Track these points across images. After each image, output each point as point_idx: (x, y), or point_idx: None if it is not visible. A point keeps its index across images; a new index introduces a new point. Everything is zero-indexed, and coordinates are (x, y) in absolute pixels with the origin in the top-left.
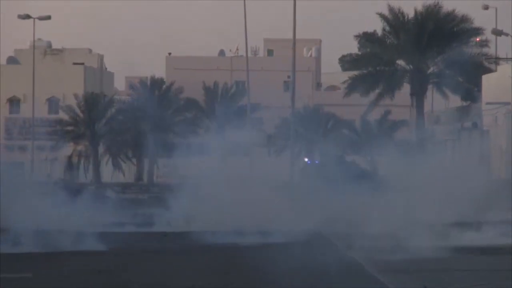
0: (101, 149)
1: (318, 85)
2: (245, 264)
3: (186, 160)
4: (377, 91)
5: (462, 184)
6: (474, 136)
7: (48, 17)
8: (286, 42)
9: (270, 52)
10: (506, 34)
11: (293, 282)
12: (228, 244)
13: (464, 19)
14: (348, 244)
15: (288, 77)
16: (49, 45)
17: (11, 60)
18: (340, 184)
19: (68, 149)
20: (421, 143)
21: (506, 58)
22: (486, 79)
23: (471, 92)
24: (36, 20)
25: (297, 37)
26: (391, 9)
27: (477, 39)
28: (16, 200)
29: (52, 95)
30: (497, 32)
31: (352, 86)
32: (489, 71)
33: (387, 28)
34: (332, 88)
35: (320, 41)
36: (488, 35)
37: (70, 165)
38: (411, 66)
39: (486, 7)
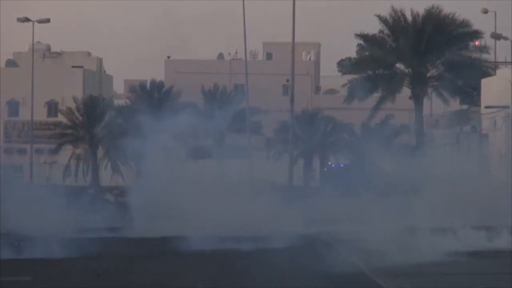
0: (100, 152)
1: (317, 88)
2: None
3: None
4: (376, 95)
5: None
6: (473, 140)
7: (47, 20)
8: (285, 45)
9: (269, 56)
10: (506, 38)
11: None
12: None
13: (463, 22)
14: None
15: (287, 80)
16: (48, 48)
17: (10, 63)
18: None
19: (67, 152)
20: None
21: (505, 62)
22: (485, 82)
23: (470, 95)
24: (35, 23)
25: (296, 40)
26: (393, 11)
27: (476, 43)
28: (16, 205)
29: (51, 98)
30: (496, 36)
31: (352, 90)
32: (488, 75)
33: (386, 31)
34: (331, 91)
35: (319, 44)
36: (487, 39)
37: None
38: (410, 70)
39: (485, 11)
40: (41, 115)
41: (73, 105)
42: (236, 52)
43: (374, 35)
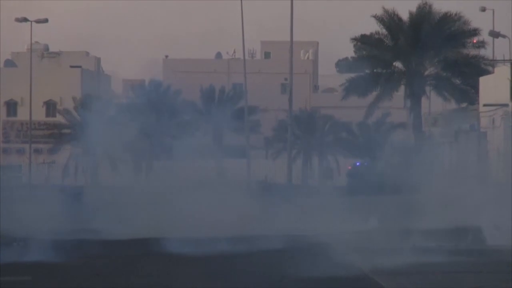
0: (98, 152)
1: (315, 87)
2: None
3: (183, 163)
4: (374, 93)
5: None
6: (471, 138)
7: (45, 20)
8: (283, 44)
9: (267, 55)
10: (504, 36)
11: None
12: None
13: (461, 20)
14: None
15: (285, 79)
16: (46, 48)
17: (8, 63)
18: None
19: (65, 152)
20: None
21: (504, 60)
22: (483, 80)
23: (468, 94)
24: (33, 23)
25: (294, 39)
26: (386, 11)
27: (474, 41)
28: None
29: (49, 98)
30: (494, 34)
31: (349, 88)
32: (487, 72)
33: (383, 30)
34: (330, 90)
35: (317, 43)
36: (485, 36)
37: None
38: (407, 68)
39: (483, 9)
40: (40, 115)
41: (71, 105)
42: (234, 51)
43: (370, 35)
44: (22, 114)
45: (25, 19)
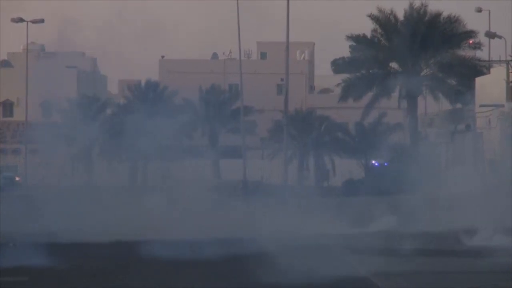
0: (95, 152)
1: (311, 88)
2: None
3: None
4: (371, 93)
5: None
6: (467, 139)
7: (41, 21)
8: (279, 45)
9: (263, 55)
10: (500, 37)
11: None
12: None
13: (456, 20)
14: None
15: (281, 80)
16: (42, 48)
17: (4, 64)
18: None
19: (62, 152)
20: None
21: (500, 61)
22: (479, 81)
23: (463, 94)
24: (29, 24)
25: (290, 40)
26: (381, 11)
27: (470, 42)
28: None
29: (45, 99)
30: (491, 35)
31: (346, 89)
32: (482, 73)
33: (379, 30)
34: (326, 91)
35: (313, 44)
36: (481, 37)
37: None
38: (403, 69)
39: (479, 10)
40: (36, 115)
41: (67, 106)
42: (231, 52)
43: (365, 36)
44: (18, 115)
45: (21, 20)
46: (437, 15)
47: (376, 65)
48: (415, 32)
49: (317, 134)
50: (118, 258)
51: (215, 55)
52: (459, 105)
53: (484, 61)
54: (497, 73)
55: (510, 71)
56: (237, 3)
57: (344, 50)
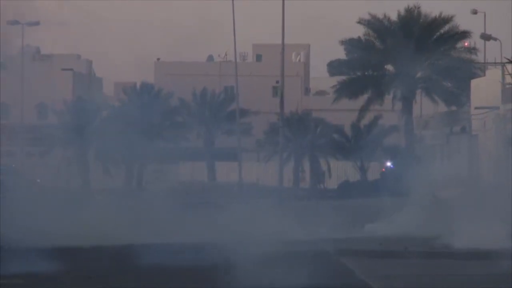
0: (90, 154)
1: (307, 90)
2: None
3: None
4: (366, 95)
5: None
6: (463, 141)
7: (37, 23)
8: (275, 47)
9: (258, 58)
10: (495, 39)
11: None
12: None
13: (451, 22)
14: None
15: (277, 82)
16: (38, 50)
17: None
18: None
19: (57, 154)
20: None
21: (495, 63)
22: (474, 83)
23: (458, 97)
24: (25, 26)
25: (285, 42)
26: (373, 16)
27: (466, 44)
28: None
29: (41, 101)
30: (486, 37)
31: (340, 91)
32: (478, 75)
33: (372, 33)
34: (321, 93)
35: (309, 46)
36: (476, 39)
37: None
38: (398, 71)
39: (474, 12)
40: (31, 118)
41: (63, 108)
42: (226, 54)
43: (360, 38)
44: (14, 117)
45: (16, 22)
46: (431, 16)
47: (371, 67)
48: (410, 34)
49: (312, 136)
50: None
51: (210, 58)
52: (454, 107)
53: (479, 63)
54: (492, 75)
55: (505, 73)
56: (233, 5)
57: (339, 52)
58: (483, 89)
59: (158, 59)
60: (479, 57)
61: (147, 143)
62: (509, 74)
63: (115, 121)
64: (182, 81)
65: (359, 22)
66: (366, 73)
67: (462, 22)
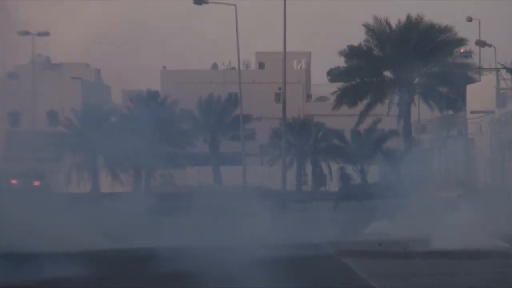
0: (100, 160)
1: (308, 96)
2: None
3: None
4: (365, 101)
5: None
6: (459, 144)
7: (47, 33)
8: (277, 55)
9: (261, 65)
10: (490, 45)
11: None
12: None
13: (448, 30)
14: None
15: (279, 89)
16: (48, 60)
17: (12, 75)
18: None
19: (67, 161)
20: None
21: (490, 68)
22: (470, 88)
23: (455, 102)
24: (35, 36)
25: (287, 50)
26: (376, 21)
27: (462, 50)
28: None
29: (51, 109)
30: (481, 43)
31: (340, 98)
32: (473, 81)
33: (372, 40)
34: (322, 99)
35: (310, 53)
36: (472, 46)
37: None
38: (396, 77)
39: (470, 19)
40: (42, 125)
41: (72, 115)
42: (230, 62)
43: (360, 47)
44: (25, 124)
45: (27, 32)
46: (429, 24)
47: (370, 74)
48: (408, 42)
49: (314, 141)
50: None
51: (215, 66)
52: (451, 112)
53: (475, 68)
54: (488, 80)
55: (500, 78)
56: (236, 15)
57: (339, 59)
58: (479, 94)
59: (164, 67)
60: (475, 62)
61: (155, 149)
62: (504, 79)
63: (123, 128)
64: (187, 88)
65: (364, 25)
66: (365, 79)
67: (458, 29)
